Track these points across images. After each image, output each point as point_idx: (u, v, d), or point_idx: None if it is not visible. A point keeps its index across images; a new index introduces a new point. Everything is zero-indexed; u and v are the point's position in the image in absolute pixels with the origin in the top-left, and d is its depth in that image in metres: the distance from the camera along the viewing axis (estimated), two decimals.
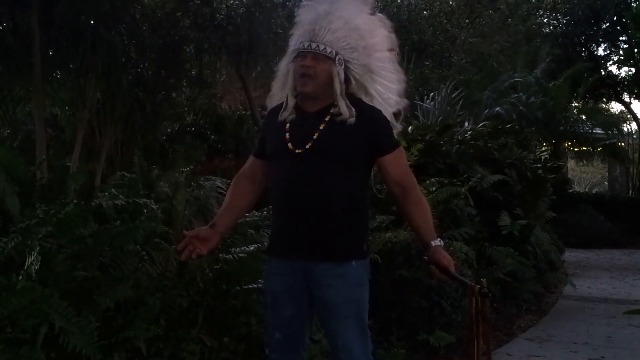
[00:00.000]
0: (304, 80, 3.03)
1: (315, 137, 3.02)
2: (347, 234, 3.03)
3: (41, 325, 3.44)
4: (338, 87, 3.05)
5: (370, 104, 3.19)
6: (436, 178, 7.56)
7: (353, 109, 3.03)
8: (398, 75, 3.37)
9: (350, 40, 3.12)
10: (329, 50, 3.05)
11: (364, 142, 3.02)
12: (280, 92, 3.30)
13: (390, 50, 3.34)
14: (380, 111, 3.17)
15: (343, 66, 3.08)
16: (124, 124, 9.50)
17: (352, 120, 3.01)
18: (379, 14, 3.37)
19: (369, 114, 3.09)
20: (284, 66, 3.25)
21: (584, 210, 15.99)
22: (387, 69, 3.33)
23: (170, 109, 11.55)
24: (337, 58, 3.06)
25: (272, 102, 3.37)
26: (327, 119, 3.05)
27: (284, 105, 3.16)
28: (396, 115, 3.36)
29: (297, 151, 3.02)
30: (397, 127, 3.33)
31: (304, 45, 3.08)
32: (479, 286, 2.97)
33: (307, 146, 3.01)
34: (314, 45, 3.05)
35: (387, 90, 3.31)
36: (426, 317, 5.59)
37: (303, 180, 3.00)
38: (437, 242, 3.05)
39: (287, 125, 3.10)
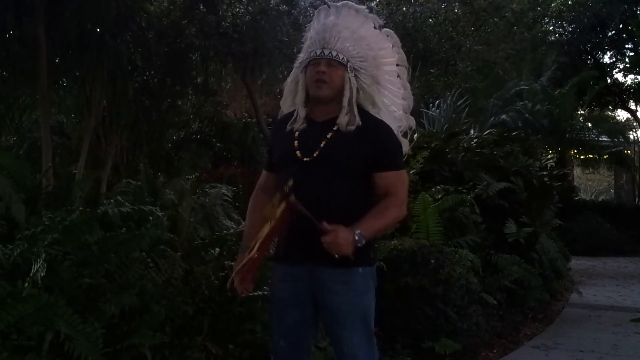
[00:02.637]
0: (319, 85, 3.05)
1: (322, 145, 3.03)
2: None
3: (47, 332, 3.45)
4: (348, 92, 3.07)
5: (377, 115, 3.20)
6: (442, 186, 7.57)
7: (357, 118, 3.04)
8: (404, 91, 3.39)
9: (359, 50, 3.15)
10: (341, 57, 3.08)
11: (368, 153, 3.02)
12: (292, 107, 3.32)
13: (398, 65, 3.36)
14: (390, 129, 3.18)
15: (354, 74, 3.10)
16: (130, 131, 9.53)
17: (352, 128, 3.02)
18: (386, 29, 3.38)
19: (374, 127, 3.09)
20: (293, 79, 3.27)
21: (590, 218, 15.94)
22: (394, 84, 3.35)
23: (175, 117, 11.58)
24: (348, 65, 3.09)
25: (284, 105, 3.37)
26: (335, 128, 3.06)
27: (294, 115, 3.17)
28: (404, 133, 3.37)
29: (305, 159, 3.03)
30: (404, 144, 3.33)
31: (316, 52, 3.10)
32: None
33: (315, 154, 3.02)
34: (326, 52, 3.08)
35: (392, 104, 3.34)
36: (431, 324, 5.58)
37: (309, 187, 2.99)
38: (357, 231, 2.88)
39: (296, 133, 3.11)
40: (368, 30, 3.24)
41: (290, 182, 2.90)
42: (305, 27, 3.40)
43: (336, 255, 2.85)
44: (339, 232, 2.84)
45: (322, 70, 3.05)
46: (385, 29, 3.37)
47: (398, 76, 3.38)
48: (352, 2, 3.29)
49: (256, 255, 3.00)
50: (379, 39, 3.30)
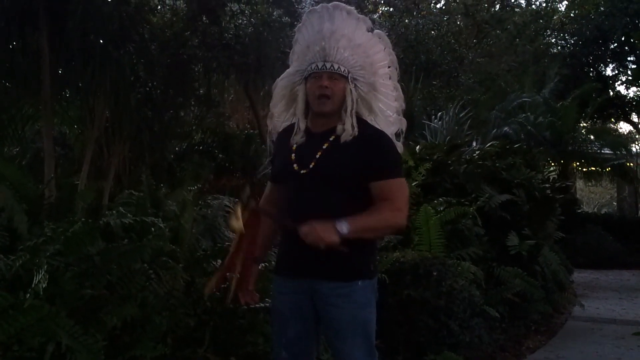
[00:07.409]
0: (322, 101, 3.05)
1: (318, 156, 3.03)
2: (352, 254, 2.98)
3: (48, 343, 3.43)
4: (350, 104, 3.07)
5: (374, 122, 3.20)
6: (444, 198, 7.56)
7: (356, 129, 3.04)
8: (397, 92, 3.38)
9: (357, 58, 3.15)
10: (342, 69, 3.09)
11: (367, 163, 3.00)
12: (284, 113, 3.32)
13: (389, 67, 3.35)
14: (390, 139, 3.17)
15: (354, 85, 3.10)
16: (132, 142, 9.51)
17: (350, 138, 3.02)
18: (377, 31, 3.37)
19: (375, 137, 3.09)
20: (287, 85, 3.27)
21: (593, 230, 15.89)
22: (387, 87, 3.34)
23: (178, 128, 11.56)
24: (349, 77, 3.09)
25: (272, 123, 3.38)
26: (331, 139, 3.06)
27: (295, 128, 3.17)
28: (397, 134, 3.37)
29: (302, 172, 3.03)
30: (399, 147, 3.32)
31: (317, 66, 3.09)
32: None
33: (311, 166, 3.01)
34: (328, 65, 3.07)
35: (387, 108, 3.33)
36: (434, 337, 5.56)
37: (308, 200, 2.99)
38: (342, 224, 2.84)
39: (294, 146, 3.11)
40: (363, 35, 3.23)
41: (248, 191, 3.00)
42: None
43: (321, 246, 2.81)
44: (315, 225, 2.82)
45: (324, 84, 3.04)
46: (376, 31, 3.36)
47: (390, 78, 3.36)
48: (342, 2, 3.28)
49: (236, 274, 3.09)
50: (373, 43, 3.28)
